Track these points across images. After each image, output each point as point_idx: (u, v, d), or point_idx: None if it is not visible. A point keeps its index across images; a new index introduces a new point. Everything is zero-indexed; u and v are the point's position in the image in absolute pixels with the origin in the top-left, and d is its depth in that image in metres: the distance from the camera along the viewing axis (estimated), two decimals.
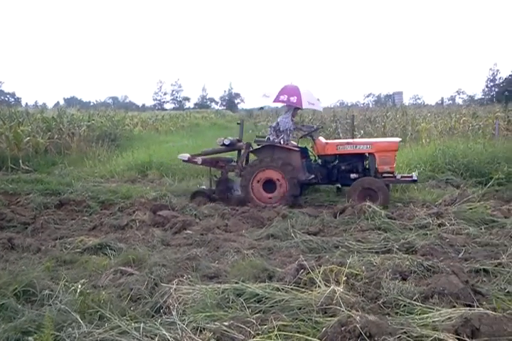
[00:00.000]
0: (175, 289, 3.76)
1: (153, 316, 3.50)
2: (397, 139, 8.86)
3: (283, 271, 4.14)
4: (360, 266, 4.21)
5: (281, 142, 8.25)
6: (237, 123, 9.28)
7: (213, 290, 3.72)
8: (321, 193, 9.08)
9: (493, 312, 3.17)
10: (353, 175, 8.03)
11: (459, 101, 64.56)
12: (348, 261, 4.13)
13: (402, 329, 3.07)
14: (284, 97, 8.26)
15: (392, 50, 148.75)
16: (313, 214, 7.02)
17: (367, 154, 8.19)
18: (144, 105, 76.41)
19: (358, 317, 3.07)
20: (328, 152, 8.21)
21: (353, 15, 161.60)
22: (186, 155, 8.72)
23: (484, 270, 4.38)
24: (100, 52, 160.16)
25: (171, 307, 3.53)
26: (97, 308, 3.44)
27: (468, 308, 3.31)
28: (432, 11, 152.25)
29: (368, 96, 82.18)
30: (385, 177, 8.09)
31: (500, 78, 58.72)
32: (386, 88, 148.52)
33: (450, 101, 63.53)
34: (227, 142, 8.39)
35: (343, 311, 3.23)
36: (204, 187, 8.78)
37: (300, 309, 3.42)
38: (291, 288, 3.72)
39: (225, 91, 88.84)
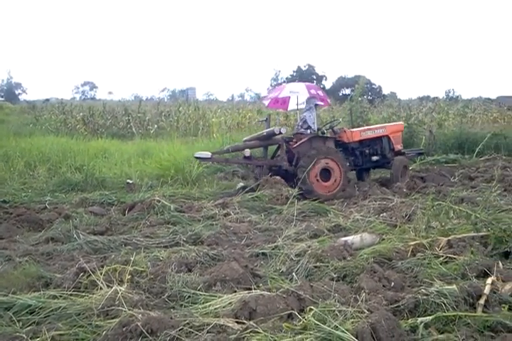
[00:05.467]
0: None
1: None
2: (401, 122, 10.64)
3: (61, 276, 3.83)
4: (146, 263, 4.16)
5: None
6: (265, 120, 9.25)
7: None
8: None
9: (268, 293, 3.42)
10: (374, 158, 9.09)
11: (247, 98, 69.41)
12: (132, 259, 4.02)
13: (185, 320, 3.10)
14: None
15: (186, 46, 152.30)
16: (100, 212, 6.70)
17: (382, 137, 9.24)
18: None
19: (140, 315, 3.00)
20: (355, 138, 8.97)
21: (150, 10, 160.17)
22: (207, 153, 8.05)
23: (263, 253, 4.74)
24: None
25: None
26: None
27: (247, 292, 3.49)
28: (221, 14, 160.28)
29: (162, 91, 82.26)
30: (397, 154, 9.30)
31: (281, 78, 64.71)
32: (180, 83, 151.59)
33: (240, 98, 67.88)
34: (283, 131, 8.29)
35: (125, 311, 3.12)
36: (242, 184, 8.27)
37: (79, 315, 3.23)
38: (70, 294, 3.48)
39: (2, 80, 78.87)
